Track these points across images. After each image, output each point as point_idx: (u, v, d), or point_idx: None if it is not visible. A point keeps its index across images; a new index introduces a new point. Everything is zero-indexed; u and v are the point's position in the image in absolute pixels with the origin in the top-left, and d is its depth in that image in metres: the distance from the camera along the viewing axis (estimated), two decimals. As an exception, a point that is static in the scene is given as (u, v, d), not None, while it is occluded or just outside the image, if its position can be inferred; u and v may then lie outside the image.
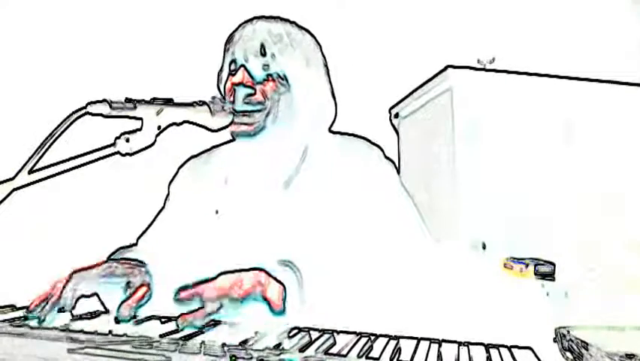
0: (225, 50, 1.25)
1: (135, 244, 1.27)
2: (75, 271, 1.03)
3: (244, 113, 1.15)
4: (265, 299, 0.97)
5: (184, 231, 1.21)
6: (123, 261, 1.09)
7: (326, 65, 1.29)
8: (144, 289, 1.04)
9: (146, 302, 1.03)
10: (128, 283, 1.05)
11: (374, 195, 1.16)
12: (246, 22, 1.25)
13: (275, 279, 0.99)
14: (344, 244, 1.08)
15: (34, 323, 0.94)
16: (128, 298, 1.02)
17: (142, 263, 1.09)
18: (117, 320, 0.98)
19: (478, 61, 1.73)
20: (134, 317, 1.00)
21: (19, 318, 0.96)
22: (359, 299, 1.04)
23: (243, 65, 1.19)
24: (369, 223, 1.12)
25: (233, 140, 1.23)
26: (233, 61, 1.21)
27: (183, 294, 0.95)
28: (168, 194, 1.32)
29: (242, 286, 0.96)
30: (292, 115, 1.20)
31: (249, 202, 1.17)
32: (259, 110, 1.17)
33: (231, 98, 1.17)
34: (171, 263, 1.10)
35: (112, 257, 1.18)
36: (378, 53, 1.90)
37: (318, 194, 1.15)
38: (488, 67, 1.72)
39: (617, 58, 1.79)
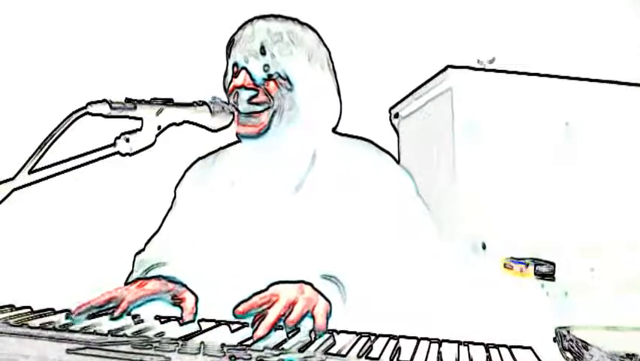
0: (228, 53, 1.25)
1: (143, 249, 1.27)
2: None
3: (250, 114, 1.15)
4: (311, 315, 0.97)
5: (196, 235, 1.21)
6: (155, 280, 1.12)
7: (331, 63, 1.28)
8: (189, 295, 1.09)
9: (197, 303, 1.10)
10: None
11: (392, 203, 1.16)
12: (247, 22, 1.24)
13: (321, 294, 1.00)
14: (364, 250, 1.09)
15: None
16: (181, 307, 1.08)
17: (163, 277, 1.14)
18: (189, 322, 1.04)
19: (478, 61, 1.73)
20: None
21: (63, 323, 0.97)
22: (386, 305, 1.05)
23: (244, 68, 1.19)
24: (388, 230, 1.12)
25: (239, 141, 1.23)
26: (235, 64, 1.21)
27: (240, 309, 0.95)
28: (175, 197, 1.31)
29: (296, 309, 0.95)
30: (296, 114, 1.20)
31: (260, 205, 1.17)
32: (265, 110, 1.17)
33: (234, 101, 1.18)
34: (197, 271, 1.14)
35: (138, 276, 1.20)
36: (379, 53, 1.90)
37: (332, 199, 1.14)
38: (488, 67, 1.72)
39: (617, 58, 1.79)
